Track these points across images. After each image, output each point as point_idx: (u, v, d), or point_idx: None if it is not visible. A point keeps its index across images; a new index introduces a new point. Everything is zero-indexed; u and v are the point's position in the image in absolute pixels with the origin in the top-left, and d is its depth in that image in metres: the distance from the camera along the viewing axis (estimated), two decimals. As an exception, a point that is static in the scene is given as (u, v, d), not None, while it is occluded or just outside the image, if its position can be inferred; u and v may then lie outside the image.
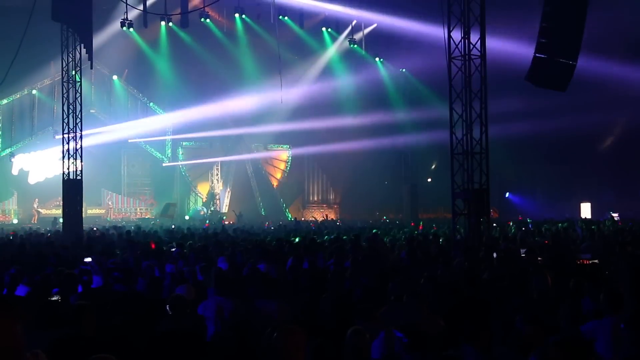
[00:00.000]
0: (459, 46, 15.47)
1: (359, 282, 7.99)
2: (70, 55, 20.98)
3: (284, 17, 30.88)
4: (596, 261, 9.49)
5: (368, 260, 9.93)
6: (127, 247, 13.08)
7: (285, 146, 40.39)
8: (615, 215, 27.90)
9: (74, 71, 21.12)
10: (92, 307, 5.30)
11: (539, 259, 10.10)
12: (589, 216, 31.93)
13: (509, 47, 27.35)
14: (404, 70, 36.13)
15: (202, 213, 36.38)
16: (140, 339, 5.19)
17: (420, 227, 21.80)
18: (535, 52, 14.51)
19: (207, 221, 31.05)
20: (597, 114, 31.02)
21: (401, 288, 6.84)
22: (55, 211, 30.93)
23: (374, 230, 17.65)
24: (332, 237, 16.62)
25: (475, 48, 15.33)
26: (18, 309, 2.92)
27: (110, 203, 36.31)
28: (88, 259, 10.52)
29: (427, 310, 5.83)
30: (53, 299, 6.56)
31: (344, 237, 16.04)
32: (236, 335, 5.71)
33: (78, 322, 5.10)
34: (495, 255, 10.73)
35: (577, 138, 32.18)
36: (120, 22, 26.37)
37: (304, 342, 4.13)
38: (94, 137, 31.19)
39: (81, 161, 21.13)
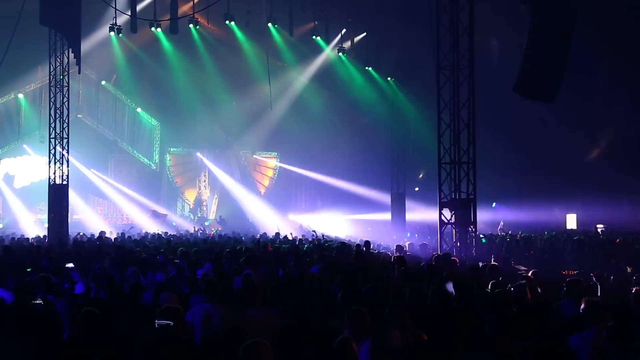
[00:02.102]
0: (448, 56, 15.57)
1: (346, 290, 7.96)
2: (58, 60, 20.91)
3: (274, 24, 30.92)
4: (580, 271, 9.55)
5: (356, 268, 9.94)
6: (113, 252, 12.97)
7: (273, 153, 40.37)
8: (600, 227, 28.09)
9: (61, 76, 21.03)
10: (99, 315, 5.26)
11: (524, 269, 10.15)
12: (574, 227, 32.11)
13: (497, 58, 27.59)
14: (392, 79, 36.25)
15: (189, 220, 36.23)
16: (132, 347, 5.14)
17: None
18: (522, 64, 14.63)
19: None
20: (583, 125, 31.33)
21: (384, 297, 6.84)
22: (41, 216, 30.71)
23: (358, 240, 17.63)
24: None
25: (464, 58, 15.43)
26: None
27: (98, 208, 36.12)
28: (70, 265, 10.42)
29: (410, 322, 5.78)
30: (36, 302, 6.49)
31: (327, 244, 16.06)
32: (223, 343, 5.68)
33: (84, 328, 5.03)
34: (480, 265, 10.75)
35: (564, 149, 32.42)
36: (109, 27, 26.27)
37: (270, 355, 4.24)
38: (81, 141, 30.97)
39: (67, 166, 21.02)
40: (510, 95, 15.83)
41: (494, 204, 36.53)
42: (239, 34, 32.26)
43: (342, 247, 14.28)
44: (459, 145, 15.43)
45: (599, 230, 27.10)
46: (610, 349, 5.32)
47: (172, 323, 5.56)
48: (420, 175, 38.12)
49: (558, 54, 14.47)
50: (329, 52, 34.83)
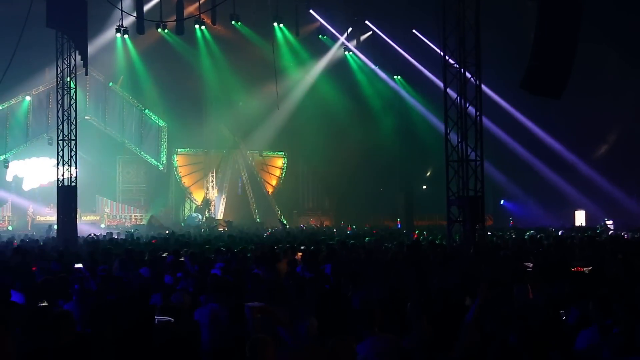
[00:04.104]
0: (454, 54, 15.54)
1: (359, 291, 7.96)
2: (65, 62, 20.97)
3: (279, 24, 30.93)
4: (590, 268, 9.50)
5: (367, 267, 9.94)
6: (123, 254, 12.99)
7: (280, 153, 40.40)
8: (609, 222, 27.96)
9: (68, 78, 21.10)
10: (72, 316, 5.22)
11: (530, 266, 10.10)
12: (583, 224, 31.97)
13: (504, 55, 27.51)
14: (399, 77, 36.23)
15: (197, 220, 36.31)
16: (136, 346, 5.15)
17: (415, 236, 21.74)
18: (529, 60, 14.55)
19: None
20: (591, 121, 31.19)
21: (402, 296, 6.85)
22: (50, 218, 30.82)
23: (366, 239, 17.59)
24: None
25: (471, 55, 15.40)
26: (10, 318, 2.54)
27: (105, 210, 36.23)
28: (78, 265, 10.45)
29: (426, 320, 5.79)
30: (43, 304, 6.50)
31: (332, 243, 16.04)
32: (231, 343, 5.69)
33: (57, 330, 5.00)
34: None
35: (572, 146, 32.30)
36: (116, 28, 26.35)
37: (274, 351, 4.26)
38: (89, 143, 31.08)
39: (76, 168, 21.09)
40: (518, 92, 15.77)
41: (502, 201, 36.45)
42: (245, 34, 32.29)
43: (342, 245, 14.26)
44: (466, 143, 15.39)
45: (609, 225, 26.98)
46: (621, 344, 5.29)
47: (172, 320, 5.61)
48: (428, 173, 38.07)
49: (565, 51, 14.38)
50: (335, 51, 34.83)
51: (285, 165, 40.51)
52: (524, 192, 35.77)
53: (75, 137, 21.19)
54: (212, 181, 38.80)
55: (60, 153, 21.04)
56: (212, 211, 38.02)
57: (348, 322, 5.99)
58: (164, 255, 12.84)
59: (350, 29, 33.55)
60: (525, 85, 14.65)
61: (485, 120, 15.68)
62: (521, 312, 6.18)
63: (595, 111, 30.81)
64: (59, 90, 21.18)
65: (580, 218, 34.16)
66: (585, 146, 33.11)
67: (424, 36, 31.54)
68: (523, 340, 4.83)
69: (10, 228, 32.33)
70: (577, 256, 12.77)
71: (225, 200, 38.89)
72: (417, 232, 24.00)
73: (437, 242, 16.57)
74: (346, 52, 34.41)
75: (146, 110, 36.94)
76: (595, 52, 26.38)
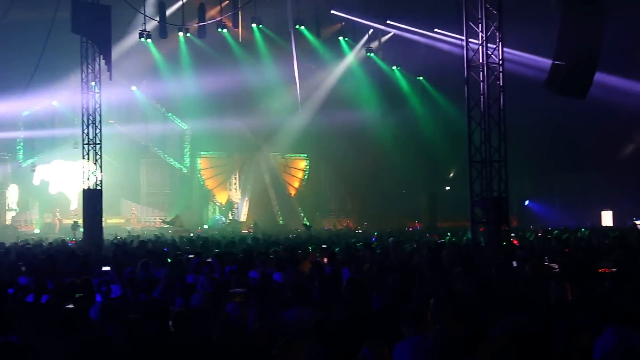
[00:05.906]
0: (477, 54, 15.42)
1: (379, 291, 7.92)
2: (90, 67, 21.26)
3: (300, 26, 30.98)
4: (615, 269, 9.35)
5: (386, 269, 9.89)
6: (146, 256, 13.08)
7: (303, 155, 40.45)
8: (637, 222, 27.54)
9: (93, 82, 21.38)
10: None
11: (557, 267, 9.98)
12: (610, 224, 31.53)
13: (527, 55, 27.27)
14: (421, 78, 36.06)
15: (220, 222, 36.50)
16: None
17: (435, 236, 21.60)
18: (553, 59, 14.36)
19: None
20: (617, 120, 30.72)
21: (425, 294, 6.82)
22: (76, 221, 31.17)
23: (390, 239, 17.50)
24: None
25: (494, 56, 15.26)
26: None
27: (133, 212, 36.54)
28: (106, 268, 10.55)
29: (452, 317, 5.77)
30: (69, 306, 6.55)
31: (359, 245, 15.97)
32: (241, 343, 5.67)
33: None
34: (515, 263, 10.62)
35: (597, 145, 31.86)
36: (139, 33, 26.62)
37: (304, 355, 4.11)
38: (114, 147, 31.39)
39: (101, 171, 21.34)
40: (542, 91, 15.57)
41: (526, 202, 36.10)
42: (266, 36, 32.40)
43: (367, 247, 14.22)
44: (489, 143, 15.25)
45: (638, 225, 26.56)
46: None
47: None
48: (451, 174, 37.83)
49: (590, 49, 14.18)
50: (356, 52, 34.77)
51: (308, 167, 40.57)
52: (549, 193, 35.40)
53: (100, 140, 21.44)
54: (235, 183, 38.99)
55: (86, 157, 21.30)
56: (235, 213, 38.22)
57: (369, 323, 5.96)
58: (190, 256, 12.90)
59: (371, 30, 33.47)
60: (550, 85, 14.46)
61: (508, 119, 15.50)
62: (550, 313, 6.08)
63: (621, 109, 30.35)
64: (84, 94, 21.46)
65: (607, 218, 33.70)
66: (611, 145, 32.65)
67: (446, 36, 31.38)
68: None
69: (36, 231, 32.77)
70: (605, 257, 12.59)
71: (248, 203, 39.04)
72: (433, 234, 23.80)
73: (458, 243, 16.44)
74: (368, 53, 34.31)
75: (169, 114, 37.23)
76: (619, 48, 25.96)
